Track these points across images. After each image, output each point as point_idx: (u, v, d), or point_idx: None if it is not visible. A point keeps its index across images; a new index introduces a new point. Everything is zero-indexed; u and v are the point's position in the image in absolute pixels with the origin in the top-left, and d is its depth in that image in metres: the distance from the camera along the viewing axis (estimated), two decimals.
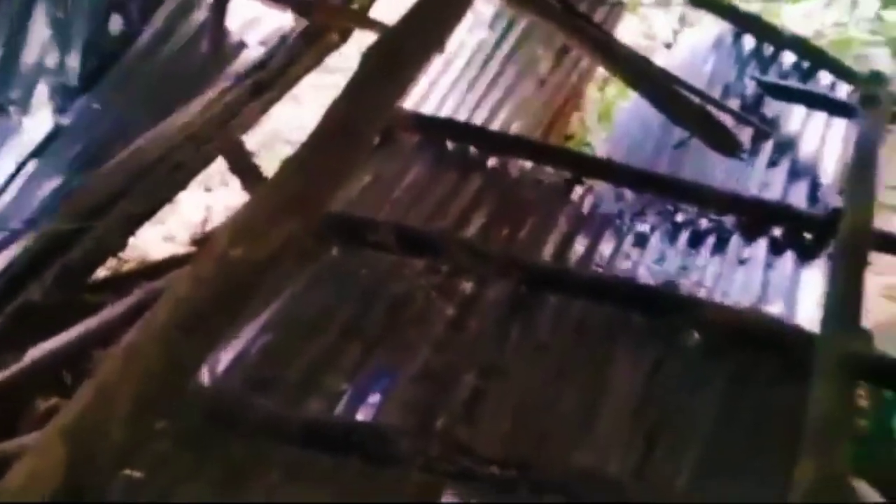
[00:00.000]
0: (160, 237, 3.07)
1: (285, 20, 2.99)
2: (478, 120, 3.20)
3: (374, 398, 1.90)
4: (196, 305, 1.87)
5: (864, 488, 1.95)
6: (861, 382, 1.83)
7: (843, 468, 1.48)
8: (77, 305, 2.36)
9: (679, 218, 2.44)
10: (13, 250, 2.25)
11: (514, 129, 3.23)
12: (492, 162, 2.69)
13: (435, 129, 2.75)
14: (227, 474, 1.72)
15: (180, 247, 3.02)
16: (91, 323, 2.19)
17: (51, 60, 2.63)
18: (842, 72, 3.16)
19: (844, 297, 1.90)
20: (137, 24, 2.89)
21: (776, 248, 2.34)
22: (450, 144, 2.66)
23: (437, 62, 3.17)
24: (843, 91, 3.12)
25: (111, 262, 2.78)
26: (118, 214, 2.49)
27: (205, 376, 1.89)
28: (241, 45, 2.89)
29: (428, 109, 3.12)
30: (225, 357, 1.95)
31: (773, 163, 2.74)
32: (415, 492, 1.61)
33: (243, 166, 2.34)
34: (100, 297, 2.44)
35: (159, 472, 1.71)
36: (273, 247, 1.97)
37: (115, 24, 2.87)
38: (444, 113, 3.13)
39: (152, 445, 1.72)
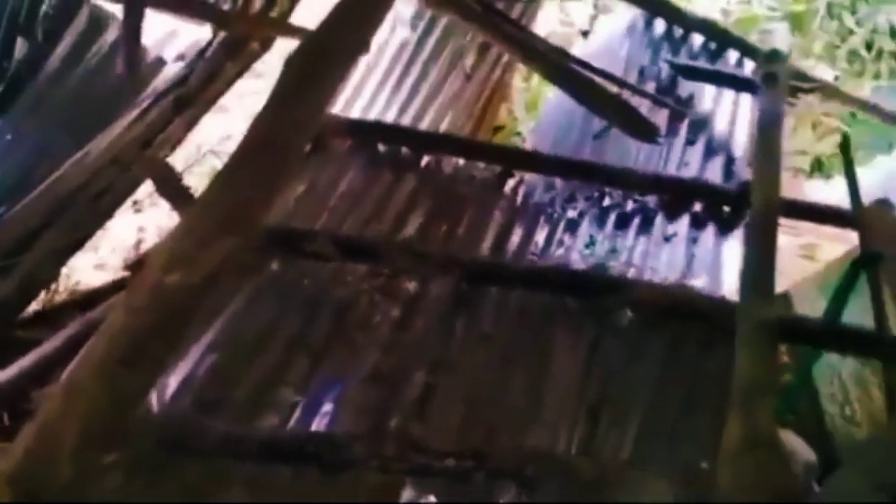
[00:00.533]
0: (92, 265, 2.99)
1: (203, 33, 2.95)
2: (407, 119, 3.23)
3: (327, 406, 1.93)
4: (134, 336, 1.85)
5: (790, 438, 2.10)
6: (780, 343, 1.96)
7: (768, 424, 1.59)
8: (10, 343, 2.30)
9: (606, 202, 2.54)
10: None
11: (445, 125, 3.28)
12: (425, 161, 2.74)
13: (365, 132, 2.77)
14: (185, 496, 1.72)
15: (113, 273, 2.95)
16: (27, 361, 2.14)
17: None
18: (746, 49, 3.33)
19: (759, 266, 2.02)
20: (45, 48, 2.81)
21: (698, 224, 2.47)
22: (381, 147, 2.69)
23: (361, 64, 3.19)
24: (749, 67, 3.29)
25: (43, 295, 2.70)
26: (45, 247, 2.43)
27: (153, 403, 1.88)
28: (160, 62, 2.84)
29: (356, 113, 3.14)
30: (172, 382, 1.94)
31: (689, 142, 2.87)
32: (373, 493, 1.66)
33: (171, 187, 2.31)
34: (33, 333, 2.38)
35: (116, 498, 1.70)
36: (208, 268, 1.96)
37: (20, 48, 2.78)
38: (373, 115, 3.16)
39: (104, 480, 1.71)
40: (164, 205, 3.48)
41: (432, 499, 1.65)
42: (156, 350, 1.84)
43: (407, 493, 1.65)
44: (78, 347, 2.13)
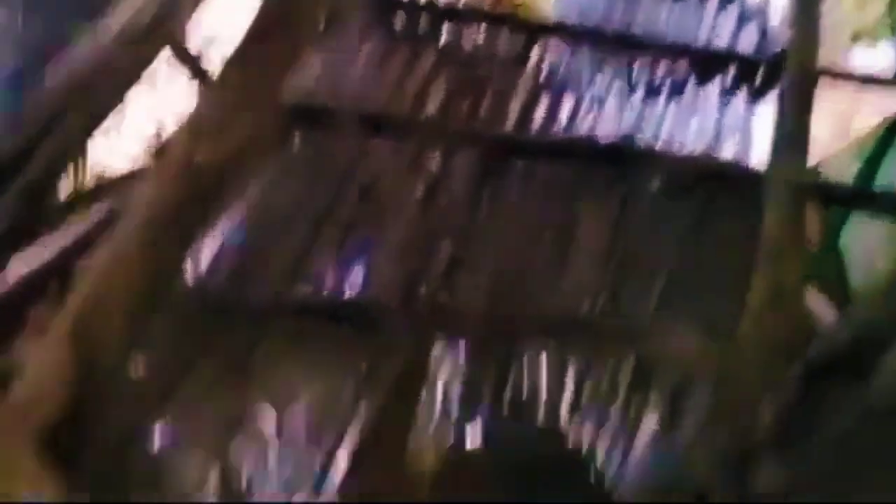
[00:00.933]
0: (114, 151, 2.98)
1: None
2: None
3: (357, 277, 1.98)
4: (169, 208, 1.89)
5: (814, 296, 2.13)
6: (809, 205, 1.95)
7: (793, 282, 1.61)
8: (45, 224, 2.35)
9: (635, 71, 2.47)
10: None
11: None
12: (445, 34, 2.65)
13: (383, 5, 2.67)
14: (229, 356, 1.81)
15: (137, 161, 2.95)
16: (67, 236, 2.19)
17: None
18: None
19: (793, 130, 1.98)
20: None
21: (729, 92, 2.41)
22: (400, 20, 2.59)
23: None
24: None
25: (69, 183, 2.72)
26: (67, 129, 2.42)
27: (191, 277, 1.95)
28: None
29: None
30: (207, 256, 1.99)
31: (722, 7, 2.74)
32: (405, 352, 1.73)
33: (189, 65, 2.27)
34: (66, 217, 2.42)
35: (164, 364, 1.79)
36: (233, 146, 1.97)
37: None
38: None
39: (153, 340, 1.79)
40: (181, 85, 3.43)
41: (461, 359, 1.72)
42: (190, 220, 1.89)
43: (436, 353, 1.72)
44: (110, 228, 2.18)
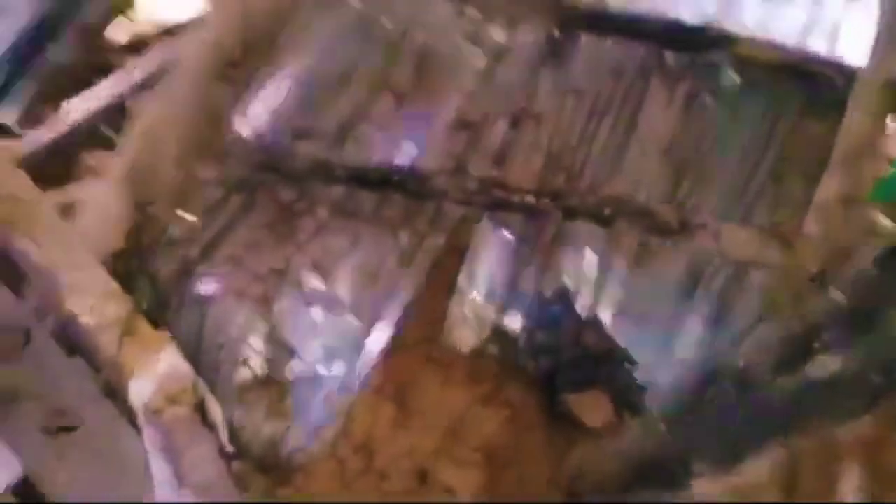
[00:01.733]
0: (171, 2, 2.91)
1: None
2: None
3: (410, 145, 1.94)
4: (225, 52, 1.86)
5: (878, 216, 2.03)
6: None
7: (863, 191, 1.53)
8: (101, 65, 2.34)
9: None
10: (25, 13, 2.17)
11: None
12: None
13: None
14: (277, 214, 1.83)
15: (192, 12, 2.88)
16: (121, 79, 2.19)
17: None
18: None
19: (891, 28, 1.81)
20: None
21: None
22: None
23: None
24: None
25: (128, 28, 2.68)
26: None
27: (244, 127, 1.93)
28: None
29: None
30: (260, 109, 1.97)
31: None
32: (453, 222, 1.72)
33: None
34: (122, 58, 2.41)
35: (213, 214, 1.82)
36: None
37: None
38: None
39: (203, 190, 1.82)
40: None
41: (507, 233, 1.71)
42: (245, 65, 1.86)
43: (484, 225, 1.71)
44: (165, 71, 2.16)
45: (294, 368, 1.58)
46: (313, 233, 1.76)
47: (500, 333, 1.61)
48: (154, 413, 0.88)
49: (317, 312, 1.65)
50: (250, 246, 1.79)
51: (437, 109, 1.98)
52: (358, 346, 1.61)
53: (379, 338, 1.61)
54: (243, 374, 1.57)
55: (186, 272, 1.68)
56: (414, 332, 1.61)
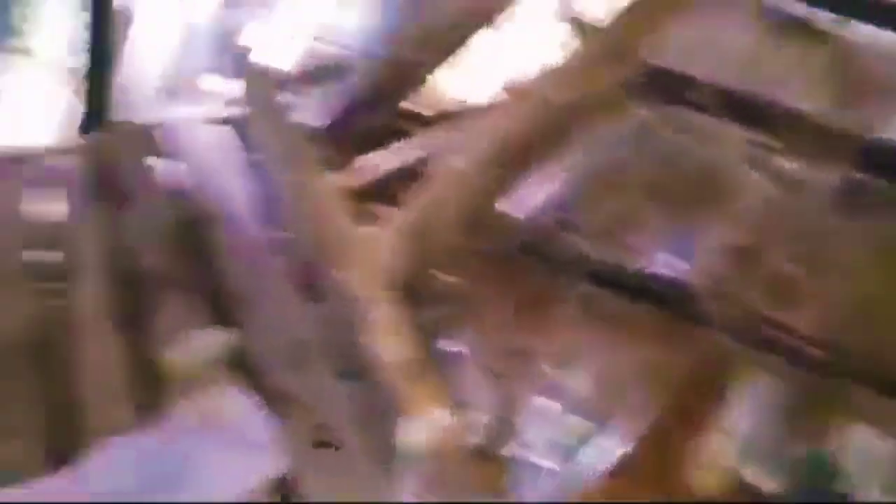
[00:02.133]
0: (467, 81, 3.21)
1: None
2: None
3: (675, 259, 1.90)
4: (512, 140, 2.00)
5: None
6: None
7: None
8: (394, 130, 2.63)
9: None
10: (352, 73, 2.53)
11: None
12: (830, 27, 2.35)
13: None
14: (530, 297, 1.88)
15: (486, 92, 3.15)
16: (415, 145, 2.44)
17: None
18: None
19: None
20: None
21: None
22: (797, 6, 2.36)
23: None
24: None
25: (424, 98, 2.99)
26: (439, 49, 2.64)
27: (515, 208, 2.04)
28: None
29: None
30: (533, 194, 2.07)
31: None
32: (714, 350, 1.62)
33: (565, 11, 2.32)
34: (413, 127, 2.68)
35: (472, 283, 1.91)
36: (591, 94, 2.00)
37: None
38: None
39: (467, 259, 1.93)
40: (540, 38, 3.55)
41: (774, 381, 1.56)
42: (528, 156, 1.98)
43: (750, 365, 1.58)
44: (454, 147, 2.37)
45: (515, 450, 1.57)
46: (561, 324, 1.77)
47: (746, 490, 1.45)
48: (418, 460, 0.92)
49: (549, 403, 1.64)
50: (499, 321, 1.85)
51: (711, 228, 1.93)
52: (583, 450, 1.56)
53: (608, 448, 1.54)
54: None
55: (436, 331, 1.77)
56: (647, 457, 1.52)
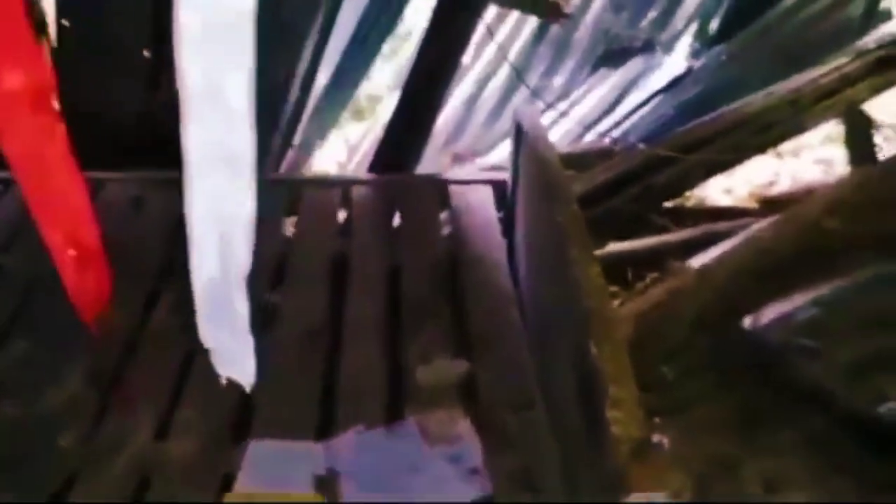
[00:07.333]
0: (720, 187, 3.24)
1: None
2: None
3: None
4: (774, 257, 2.00)
5: None
6: None
7: None
8: (644, 222, 2.73)
9: None
10: (618, 163, 2.70)
11: None
12: None
13: None
14: (745, 413, 1.85)
15: (738, 201, 3.14)
16: (658, 240, 2.53)
17: (699, 10, 2.92)
18: None
19: None
20: None
21: None
22: None
23: None
24: None
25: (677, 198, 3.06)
26: (705, 157, 2.72)
27: (751, 322, 2.02)
28: (886, 15, 2.72)
29: None
30: (775, 311, 2.04)
31: None
32: None
33: (859, 136, 2.27)
34: (663, 221, 2.77)
35: (688, 387, 1.93)
36: (867, 226, 1.93)
37: None
38: None
39: (693, 361, 1.95)
40: (805, 158, 3.47)
41: None
42: (787, 277, 1.96)
43: None
44: (698, 247, 2.41)
45: None
46: (776, 446, 1.73)
47: None
48: None
49: None
50: (705, 425, 1.84)
51: None
52: None
53: None
54: None
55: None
56: None
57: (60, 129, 1.42)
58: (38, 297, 1.72)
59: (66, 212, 1.49)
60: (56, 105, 1.40)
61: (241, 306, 1.24)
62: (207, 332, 1.29)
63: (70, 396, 1.47)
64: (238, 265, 1.19)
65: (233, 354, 1.32)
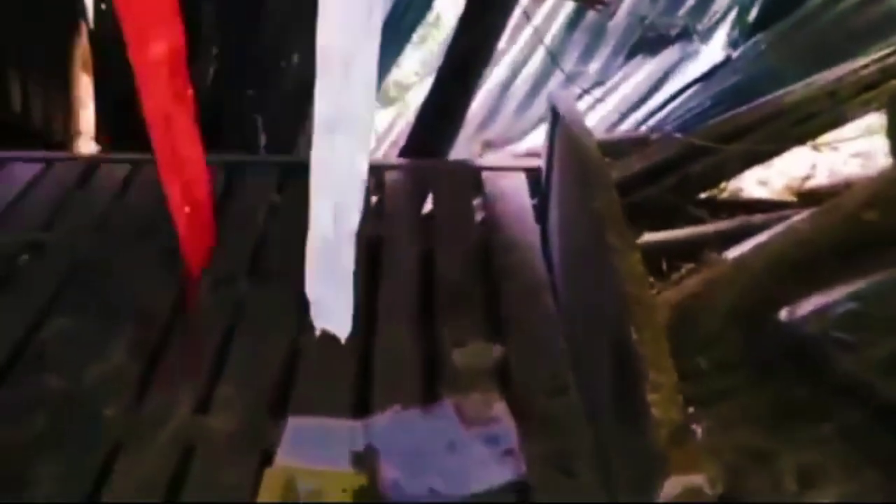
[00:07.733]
0: (755, 179, 3.19)
1: None
2: None
3: None
4: (812, 250, 1.97)
5: None
6: None
7: None
8: (680, 212, 2.71)
9: None
10: (655, 152, 2.67)
11: None
12: None
13: None
14: (779, 407, 1.83)
15: (774, 194, 3.10)
16: (694, 231, 2.51)
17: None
18: None
19: None
20: None
21: None
22: None
23: None
24: None
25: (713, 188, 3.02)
26: (743, 147, 2.69)
27: (787, 314, 2.00)
28: None
29: None
30: (811, 304, 2.01)
31: None
32: None
33: None
34: (699, 212, 2.74)
35: (722, 378, 1.92)
36: None
37: None
38: None
39: (728, 352, 1.93)
40: (843, 151, 3.40)
41: None
42: (824, 269, 1.93)
43: None
44: (735, 239, 2.39)
45: None
46: (810, 439, 1.71)
47: None
48: None
49: None
50: (739, 416, 1.83)
51: None
52: None
53: None
54: None
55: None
56: None
57: (189, 92, 1.54)
58: (80, 275, 1.77)
59: (185, 168, 1.59)
60: (187, 70, 1.50)
61: (348, 261, 1.26)
62: (313, 286, 1.31)
63: (113, 369, 1.51)
64: (349, 221, 1.22)
65: (334, 308, 1.33)
